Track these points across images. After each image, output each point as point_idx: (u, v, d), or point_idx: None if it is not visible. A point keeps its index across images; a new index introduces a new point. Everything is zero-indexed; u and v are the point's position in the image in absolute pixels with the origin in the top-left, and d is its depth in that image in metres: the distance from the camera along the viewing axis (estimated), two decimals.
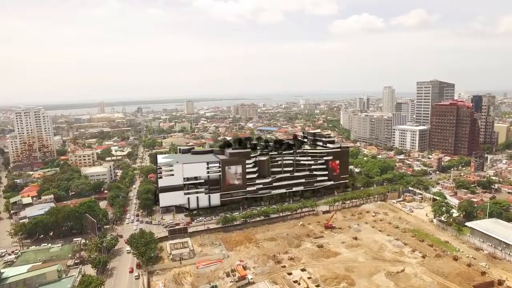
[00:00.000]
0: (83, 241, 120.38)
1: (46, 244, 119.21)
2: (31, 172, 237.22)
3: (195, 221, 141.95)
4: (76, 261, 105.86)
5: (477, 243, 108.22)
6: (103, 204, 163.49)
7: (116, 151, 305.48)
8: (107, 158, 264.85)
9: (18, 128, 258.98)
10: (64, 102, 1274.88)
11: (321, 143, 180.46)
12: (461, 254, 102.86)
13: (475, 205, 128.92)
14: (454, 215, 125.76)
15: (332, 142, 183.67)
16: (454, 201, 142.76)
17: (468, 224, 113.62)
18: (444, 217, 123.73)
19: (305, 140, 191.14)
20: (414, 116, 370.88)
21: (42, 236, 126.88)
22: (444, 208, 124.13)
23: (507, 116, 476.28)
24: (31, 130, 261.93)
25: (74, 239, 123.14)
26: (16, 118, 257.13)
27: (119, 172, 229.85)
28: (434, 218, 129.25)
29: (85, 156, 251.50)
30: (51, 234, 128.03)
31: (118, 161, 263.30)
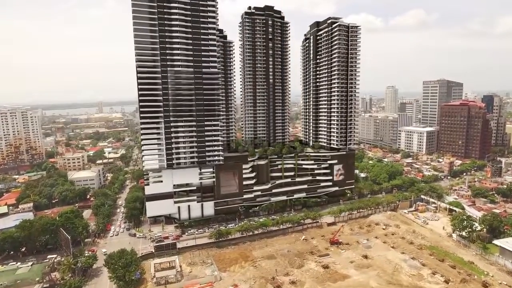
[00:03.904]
0: (58, 258, 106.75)
1: (15, 262, 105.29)
2: (16, 176, 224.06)
3: (186, 233, 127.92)
4: (44, 286, 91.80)
5: (509, 266, 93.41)
6: (87, 213, 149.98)
7: (109, 153, 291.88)
8: (98, 161, 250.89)
9: (3, 129, 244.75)
10: (65, 102, 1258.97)
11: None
12: (492, 280, 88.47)
13: (501, 218, 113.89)
14: (477, 229, 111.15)
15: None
16: (473, 212, 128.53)
17: (496, 242, 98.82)
18: (466, 232, 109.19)
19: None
20: (420, 116, 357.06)
21: (12, 252, 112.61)
22: (465, 222, 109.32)
23: None
24: (18, 131, 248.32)
25: (48, 256, 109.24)
26: (1, 119, 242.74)
27: (110, 176, 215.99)
28: (453, 232, 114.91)
29: (74, 159, 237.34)
30: (23, 250, 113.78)
31: (109, 164, 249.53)
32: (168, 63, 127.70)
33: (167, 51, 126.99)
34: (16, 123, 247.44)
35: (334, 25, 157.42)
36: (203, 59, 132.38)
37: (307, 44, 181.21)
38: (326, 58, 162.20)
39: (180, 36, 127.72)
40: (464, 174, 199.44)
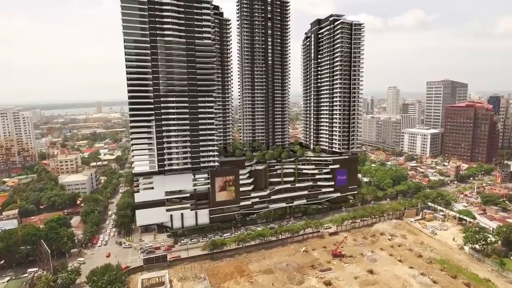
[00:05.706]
0: (40, 272, 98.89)
1: None
2: (6, 179, 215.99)
3: (179, 243, 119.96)
4: None
5: None
6: (75, 220, 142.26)
7: (104, 154, 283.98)
8: (92, 163, 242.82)
9: None
10: (64, 102, 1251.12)
11: None
12: None
13: None
14: (491, 242, 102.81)
15: None
16: (486, 222, 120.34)
17: None
18: (479, 245, 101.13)
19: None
20: (423, 118, 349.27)
21: None
22: (479, 234, 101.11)
23: None
24: (9, 132, 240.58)
25: (29, 270, 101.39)
26: None
27: (103, 180, 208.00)
28: (465, 244, 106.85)
29: (67, 161, 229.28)
30: (1, 262, 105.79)
31: (104, 167, 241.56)
32: (158, 32, 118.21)
33: (157, 25, 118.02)
34: (7, 124, 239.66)
35: (336, 23, 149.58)
36: (196, 29, 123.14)
37: (307, 43, 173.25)
38: (328, 57, 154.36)
39: (172, 10, 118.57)
40: (471, 178, 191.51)
